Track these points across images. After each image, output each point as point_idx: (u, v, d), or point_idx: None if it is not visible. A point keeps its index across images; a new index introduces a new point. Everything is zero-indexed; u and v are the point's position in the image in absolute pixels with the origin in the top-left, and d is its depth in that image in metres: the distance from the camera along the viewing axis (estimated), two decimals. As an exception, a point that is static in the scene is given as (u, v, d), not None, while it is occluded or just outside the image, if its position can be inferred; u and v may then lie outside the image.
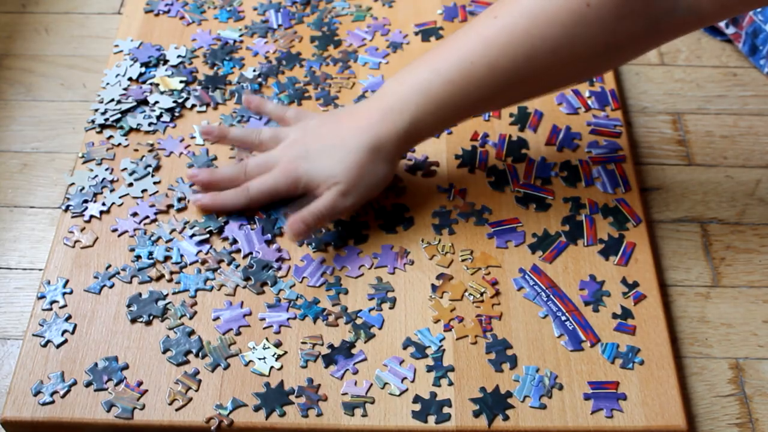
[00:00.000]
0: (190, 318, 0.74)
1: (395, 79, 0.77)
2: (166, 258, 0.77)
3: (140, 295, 0.75)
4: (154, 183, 0.83)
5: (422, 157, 0.85)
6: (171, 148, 0.86)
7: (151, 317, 0.74)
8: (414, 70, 0.76)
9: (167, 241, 0.78)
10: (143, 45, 0.96)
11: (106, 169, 0.84)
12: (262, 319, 0.74)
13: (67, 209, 0.81)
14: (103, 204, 0.81)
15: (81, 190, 0.83)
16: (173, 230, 0.79)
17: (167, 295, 0.75)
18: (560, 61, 0.72)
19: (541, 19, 0.70)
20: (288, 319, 0.74)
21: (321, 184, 0.76)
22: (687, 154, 0.90)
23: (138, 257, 0.77)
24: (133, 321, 0.73)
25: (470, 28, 0.74)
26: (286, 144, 0.79)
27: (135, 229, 0.79)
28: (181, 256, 0.77)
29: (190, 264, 0.77)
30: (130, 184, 0.83)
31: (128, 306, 0.74)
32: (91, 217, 0.81)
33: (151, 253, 0.77)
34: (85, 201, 0.82)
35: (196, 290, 0.75)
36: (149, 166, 0.85)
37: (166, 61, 0.94)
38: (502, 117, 0.89)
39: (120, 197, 0.82)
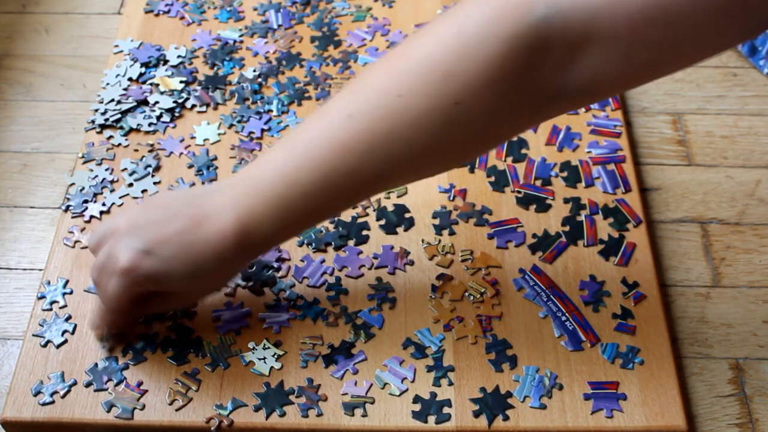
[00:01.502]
0: (190, 319, 0.74)
1: (247, 174, 0.66)
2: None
3: None
4: (154, 183, 0.83)
5: (422, 157, 0.85)
6: (171, 148, 0.86)
7: (152, 316, 0.74)
8: (262, 166, 0.65)
9: None
10: (143, 45, 0.96)
11: (106, 170, 0.84)
12: (262, 320, 0.74)
13: (67, 209, 0.81)
14: (103, 204, 0.81)
15: (81, 190, 0.83)
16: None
17: None
18: (429, 161, 0.64)
19: (403, 124, 0.60)
20: (288, 319, 0.74)
21: (169, 287, 0.67)
22: (687, 154, 0.90)
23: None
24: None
25: (324, 126, 0.63)
26: (114, 240, 0.66)
27: None
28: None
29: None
30: (130, 185, 0.83)
31: None
32: (92, 217, 0.81)
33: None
34: (85, 201, 0.82)
35: (196, 290, 0.76)
36: (149, 166, 0.85)
37: (166, 62, 0.94)
38: (502, 117, 0.89)
39: (120, 197, 0.82)
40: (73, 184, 0.83)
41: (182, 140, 0.87)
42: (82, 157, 0.86)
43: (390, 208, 0.82)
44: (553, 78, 0.58)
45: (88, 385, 0.70)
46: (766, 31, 0.59)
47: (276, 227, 0.65)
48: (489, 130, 0.62)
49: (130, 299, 0.67)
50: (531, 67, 0.58)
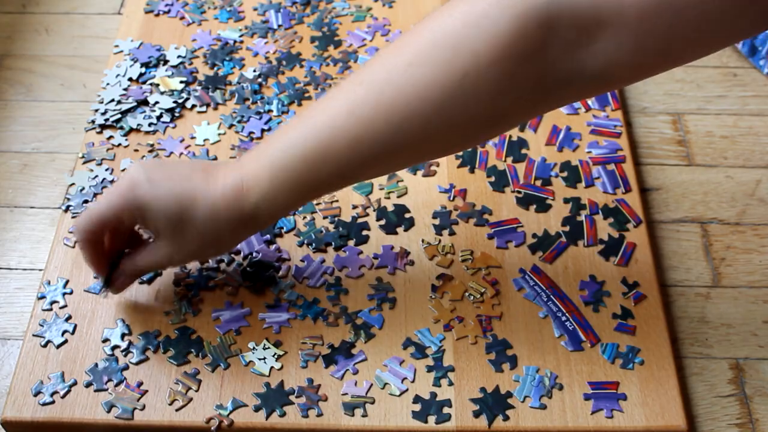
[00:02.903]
0: (195, 315, 0.74)
1: (257, 147, 0.68)
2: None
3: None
4: (154, 183, 0.83)
5: (422, 157, 0.85)
6: (171, 148, 0.86)
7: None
8: (273, 137, 0.67)
9: None
10: (143, 45, 0.96)
11: (107, 170, 0.84)
12: (262, 320, 0.74)
13: (67, 209, 0.81)
14: (103, 204, 0.81)
15: (81, 190, 0.83)
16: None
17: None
18: (432, 136, 0.63)
19: (409, 93, 0.60)
20: (288, 319, 0.74)
21: (155, 223, 0.67)
22: (687, 154, 0.90)
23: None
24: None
25: (334, 95, 0.65)
26: (128, 170, 0.68)
27: None
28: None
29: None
30: (130, 185, 0.83)
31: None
32: (91, 217, 0.81)
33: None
34: (86, 201, 0.82)
35: (199, 289, 0.75)
36: (149, 166, 0.85)
37: (166, 62, 0.94)
38: (502, 117, 0.89)
39: (120, 197, 0.82)
40: (73, 184, 0.83)
41: (182, 140, 0.87)
42: (82, 157, 0.86)
43: (390, 208, 0.82)
44: (564, 61, 0.59)
45: (88, 385, 0.70)
46: None
47: (272, 189, 0.65)
48: (495, 109, 0.62)
49: (107, 219, 0.67)
50: (540, 48, 0.58)
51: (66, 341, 0.72)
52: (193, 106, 0.90)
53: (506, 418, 0.68)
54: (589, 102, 0.91)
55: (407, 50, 0.62)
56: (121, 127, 0.88)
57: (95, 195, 0.82)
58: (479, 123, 0.63)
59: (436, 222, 0.81)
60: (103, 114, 0.89)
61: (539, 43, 0.58)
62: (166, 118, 0.89)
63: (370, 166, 0.66)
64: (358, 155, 0.63)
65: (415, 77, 0.60)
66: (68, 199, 0.82)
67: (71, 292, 0.75)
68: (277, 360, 0.71)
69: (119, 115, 0.89)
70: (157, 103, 0.90)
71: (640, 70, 0.61)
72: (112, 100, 0.90)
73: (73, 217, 0.80)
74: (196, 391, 0.70)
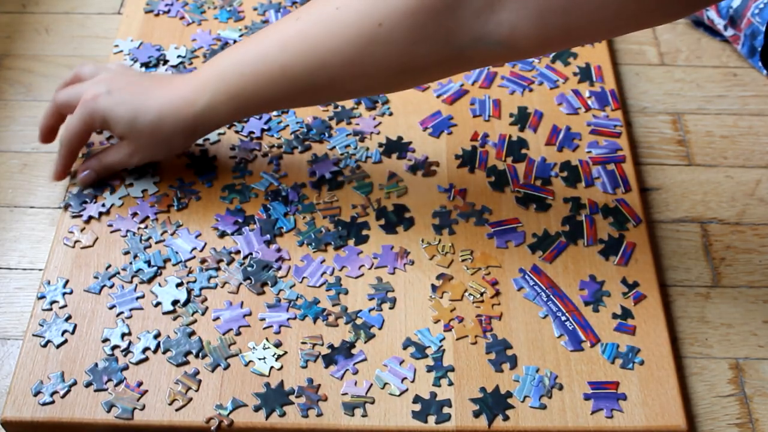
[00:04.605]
0: (203, 314, 0.74)
1: (211, 60, 0.78)
2: (165, 261, 0.77)
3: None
4: (154, 183, 0.83)
5: (422, 157, 0.85)
6: (171, 148, 0.86)
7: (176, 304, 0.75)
8: (222, 55, 0.77)
9: (158, 242, 0.78)
10: (143, 45, 0.96)
11: (106, 169, 0.84)
12: (262, 319, 0.74)
13: (66, 209, 0.81)
14: (103, 205, 0.81)
15: (81, 190, 0.83)
16: (164, 231, 0.79)
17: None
18: (353, 75, 0.71)
19: (334, 32, 0.69)
20: (288, 319, 0.74)
21: (115, 128, 0.79)
22: (687, 154, 0.90)
23: (136, 256, 0.77)
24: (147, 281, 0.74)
25: (275, 26, 0.75)
26: (92, 80, 0.81)
27: (127, 230, 0.79)
28: (179, 258, 0.78)
29: (186, 261, 0.77)
30: (130, 184, 0.83)
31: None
32: (90, 217, 0.81)
33: (149, 261, 0.77)
34: (85, 201, 0.82)
35: (201, 288, 0.75)
36: (149, 166, 0.84)
37: (166, 61, 0.94)
38: (502, 117, 0.89)
39: (120, 198, 0.82)
40: (73, 183, 0.83)
41: (182, 140, 0.87)
42: (82, 156, 0.85)
43: (390, 208, 0.82)
44: (472, 23, 0.65)
45: (88, 385, 0.70)
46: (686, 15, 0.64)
47: (214, 99, 0.75)
48: (409, 57, 0.69)
49: (82, 131, 0.80)
50: (450, 7, 0.65)
51: (66, 341, 0.72)
52: (193, 106, 0.90)
53: (506, 418, 0.68)
54: (589, 102, 0.91)
55: None
56: (121, 127, 0.88)
57: (95, 195, 0.82)
58: (396, 70, 0.70)
59: (436, 222, 0.81)
60: (103, 114, 0.89)
61: (450, 3, 0.65)
62: (166, 118, 0.89)
63: (301, 93, 0.75)
64: (289, 82, 0.73)
65: (339, 19, 0.69)
66: (68, 199, 0.82)
67: (71, 292, 0.75)
68: (277, 360, 0.71)
69: (119, 115, 0.89)
70: (157, 103, 0.90)
71: (543, 43, 0.67)
72: (112, 100, 0.90)
73: (72, 217, 0.80)
74: (196, 391, 0.70)
